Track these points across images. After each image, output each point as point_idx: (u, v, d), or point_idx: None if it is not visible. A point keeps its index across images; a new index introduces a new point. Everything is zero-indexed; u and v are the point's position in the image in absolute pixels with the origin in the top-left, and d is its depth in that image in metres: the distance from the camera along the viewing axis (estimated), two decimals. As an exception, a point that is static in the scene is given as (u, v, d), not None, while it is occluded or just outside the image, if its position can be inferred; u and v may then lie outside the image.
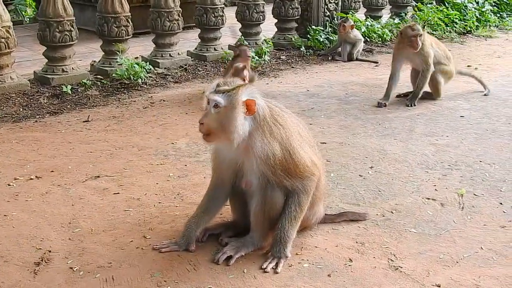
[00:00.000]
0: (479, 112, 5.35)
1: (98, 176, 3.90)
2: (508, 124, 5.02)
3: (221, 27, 7.46)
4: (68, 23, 6.11)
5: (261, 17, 7.78)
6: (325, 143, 4.54)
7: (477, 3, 10.70)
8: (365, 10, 9.90)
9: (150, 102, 5.63)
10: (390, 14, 10.31)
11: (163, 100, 5.69)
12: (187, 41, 8.16)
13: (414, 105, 5.51)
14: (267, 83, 6.37)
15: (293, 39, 8.08)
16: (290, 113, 2.98)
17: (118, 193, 3.65)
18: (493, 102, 5.70)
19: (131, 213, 3.39)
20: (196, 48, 7.53)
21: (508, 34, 10.12)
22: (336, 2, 8.59)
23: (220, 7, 7.36)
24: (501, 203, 3.55)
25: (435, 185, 3.79)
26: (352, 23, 7.56)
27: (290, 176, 2.79)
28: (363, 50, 8.11)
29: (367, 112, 5.34)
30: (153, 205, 3.50)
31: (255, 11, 7.71)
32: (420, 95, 5.63)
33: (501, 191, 3.73)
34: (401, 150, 4.41)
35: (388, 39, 8.87)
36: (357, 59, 7.70)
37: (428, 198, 3.61)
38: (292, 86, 6.29)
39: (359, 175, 3.94)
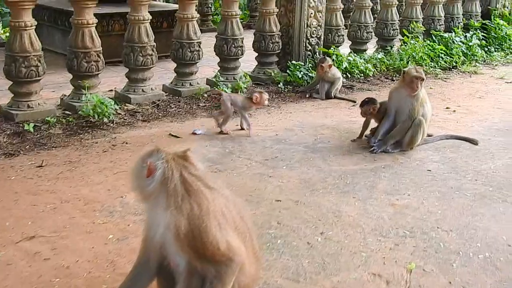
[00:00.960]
0: (447, 166, 5.14)
1: (34, 236, 3.69)
2: (475, 181, 4.81)
3: (197, 62, 7.27)
4: (35, 58, 5.93)
5: (239, 51, 7.59)
6: (280, 201, 4.32)
7: (465, 37, 10.52)
8: (350, 43, 9.68)
9: (112, 145, 5.43)
10: (376, 47, 10.11)
11: (126, 143, 5.49)
12: (167, 72, 7.96)
13: (380, 151, 5.39)
14: (236, 125, 6.14)
15: (272, 74, 7.91)
16: (218, 188, 2.76)
17: (49, 258, 3.43)
18: (464, 154, 5.49)
19: (56, 285, 3.16)
20: (171, 82, 7.34)
21: (494, 70, 9.94)
22: (318, 36, 8.41)
23: (197, 42, 7.17)
24: (450, 282, 3.31)
25: (384, 257, 3.57)
26: (330, 62, 7.37)
27: (202, 258, 2.57)
28: (343, 86, 7.96)
29: (332, 163, 5.13)
30: (82, 275, 3.28)
31: (233, 45, 7.53)
32: (391, 143, 5.41)
33: (453, 266, 3.50)
34: (357, 211, 4.18)
35: (371, 75, 8.66)
36: (335, 97, 7.52)
37: (374, 274, 3.38)
38: (262, 129, 6.09)
39: (307, 242, 3.72)
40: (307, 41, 8.37)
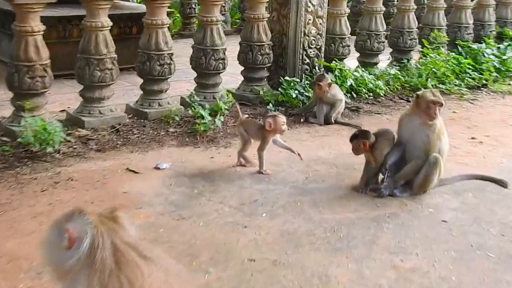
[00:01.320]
0: (467, 215, 4.97)
1: None
2: (501, 237, 4.64)
3: (167, 78, 7.13)
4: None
5: (220, 65, 7.47)
6: (253, 260, 4.14)
7: (498, 48, 10.41)
8: (358, 54, 9.57)
9: (54, 182, 5.26)
10: (389, 60, 9.99)
11: (72, 179, 5.32)
12: (134, 87, 7.82)
13: (387, 195, 5.26)
14: (212, 157, 6.00)
15: (261, 92, 7.80)
16: (157, 259, 2.56)
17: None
18: (489, 199, 5.32)
19: None
20: (137, 102, 7.19)
21: (533, 89, 9.78)
22: (319, 47, 8.31)
23: (168, 54, 7.04)
24: None
25: None
26: (330, 80, 7.24)
27: None
28: (347, 108, 7.86)
29: (325, 209, 4.97)
30: None
31: (213, 57, 7.41)
32: (400, 184, 5.24)
33: None
34: (349, 276, 3.99)
35: (382, 94, 8.53)
36: (336, 122, 7.40)
37: None
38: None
39: (283, 318, 3.51)
40: (304, 52, 8.29)
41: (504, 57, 10.35)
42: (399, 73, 9.15)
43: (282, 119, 5.62)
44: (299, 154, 5.80)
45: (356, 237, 4.60)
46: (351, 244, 4.48)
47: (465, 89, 9.26)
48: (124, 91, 8.21)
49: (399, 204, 5.25)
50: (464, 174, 5.88)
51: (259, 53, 7.94)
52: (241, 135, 5.73)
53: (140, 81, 7.33)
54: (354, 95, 8.40)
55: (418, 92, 5.52)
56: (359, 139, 5.41)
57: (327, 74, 7.96)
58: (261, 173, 5.57)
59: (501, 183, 5.74)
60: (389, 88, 8.84)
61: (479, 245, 4.56)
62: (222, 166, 5.91)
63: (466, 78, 9.56)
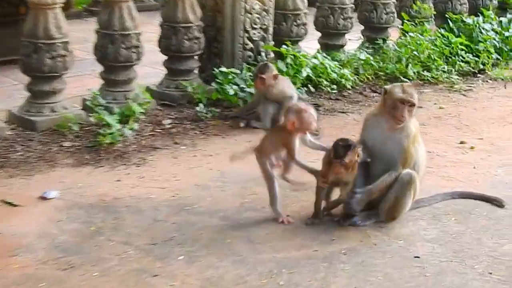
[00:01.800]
0: (447, 248, 4.96)
1: None
2: (488, 276, 4.63)
3: (62, 74, 6.95)
4: None
5: (133, 55, 7.32)
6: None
7: (500, 22, 10.47)
8: (319, 35, 9.52)
9: None
10: (360, 40, 9.97)
11: None
12: (23, 86, 7.60)
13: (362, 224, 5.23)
14: (118, 180, 5.92)
15: (190, 88, 7.67)
16: None
17: None
18: (477, 225, 5.34)
19: None
20: (22, 107, 6.99)
21: (542, 75, 9.86)
22: (265, 27, 8.26)
23: (61, 43, 6.86)
24: None
25: None
26: (275, 71, 7.13)
27: None
28: None
29: (262, 246, 4.92)
30: None
31: (123, 45, 7.25)
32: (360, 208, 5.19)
33: None
34: None
35: (349, 86, 8.49)
36: (286, 126, 7.25)
37: None
38: (157, 186, 5.90)
39: None
40: (246, 35, 8.22)
41: (507, 34, 10.41)
42: (371, 58, 9.11)
43: (310, 110, 5.12)
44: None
45: (301, 284, 4.54)
46: (291, 295, 4.38)
47: (457, 77, 9.33)
48: (9, 92, 8.00)
49: (360, 236, 5.19)
50: (447, 192, 5.87)
51: (186, 37, 7.86)
52: (263, 169, 5.34)
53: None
54: (312, 89, 8.34)
55: (386, 87, 5.46)
56: (353, 148, 5.23)
57: (277, 62, 7.85)
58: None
59: (495, 202, 5.71)
60: (358, 78, 8.86)
61: (460, 289, 4.48)
62: (130, 192, 5.77)
63: (458, 62, 9.58)
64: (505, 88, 9.16)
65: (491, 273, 4.71)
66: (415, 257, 4.92)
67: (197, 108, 7.49)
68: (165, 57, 8.08)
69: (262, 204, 5.58)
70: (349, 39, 10.08)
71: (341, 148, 5.04)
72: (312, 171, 5.23)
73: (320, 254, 4.90)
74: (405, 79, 8.88)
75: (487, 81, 9.45)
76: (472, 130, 7.50)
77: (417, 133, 5.39)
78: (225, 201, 5.67)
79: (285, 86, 7.30)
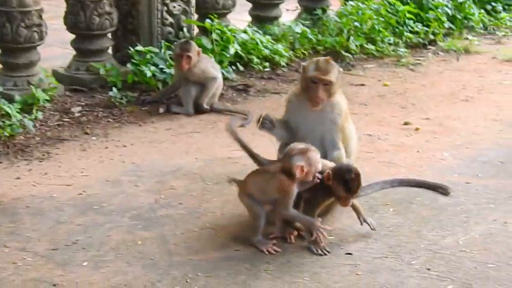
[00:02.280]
0: (382, 243, 5.05)
1: None
2: (426, 273, 4.69)
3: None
4: None
5: (35, 35, 7.28)
6: None
7: (455, -12, 10.54)
8: (250, 6, 9.54)
9: None
10: (297, 12, 10.04)
11: None
12: None
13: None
14: (18, 177, 5.94)
15: (102, 71, 7.64)
16: None
17: None
18: (417, 216, 5.47)
19: None
20: None
21: (499, 45, 10.09)
22: (186, -1, 8.18)
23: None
24: None
25: None
26: (197, 48, 7.14)
27: None
28: (232, 86, 7.95)
29: (177, 249, 4.94)
30: None
31: (23, 24, 7.19)
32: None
33: None
34: None
35: (284, 64, 8.54)
36: (212, 110, 7.33)
37: None
38: (62, 184, 5.88)
39: None
40: (165, 8, 8.25)
41: (461, 0, 10.52)
42: (308, 30, 9.16)
43: (315, 153, 4.88)
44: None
45: (217, 288, 4.52)
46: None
47: (404, 50, 9.45)
48: None
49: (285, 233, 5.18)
50: (386, 180, 5.94)
51: (96, 12, 7.83)
52: (247, 206, 5.09)
53: None
54: (242, 68, 8.34)
55: (304, 63, 5.51)
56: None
57: (201, 38, 7.85)
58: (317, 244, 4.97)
59: (440, 190, 5.81)
60: (294, 53, 8.92)
61: (395, 288, 4.54)
62: (31, 191, 5.76)
63: (406, 33, 9.68)
64: (458, 60, 9.30)
65: (429, 269, 4.76)
66: (347, 254, 4.97)
67: (110, 93, 7.43)
68: (74, 36, 7.96)
69: (179, 200, 5.62)
70: (287, 9, 10.09)
71: (354, 182, 4.94)
72: (307, 222, 4.98)
73: (242, 255, 4.91)
74: (347, 54, 8.96)
75: (438, 53, 9.58)
76: (418, 109, 7.59)
77: (347, 112, 5.45)
78: (138, 197, 5.67)
79: (208, 65, 7.33)
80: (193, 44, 7.14)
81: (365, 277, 4.67)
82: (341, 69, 5.38)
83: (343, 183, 4.83)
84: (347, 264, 4.82)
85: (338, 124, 5.32)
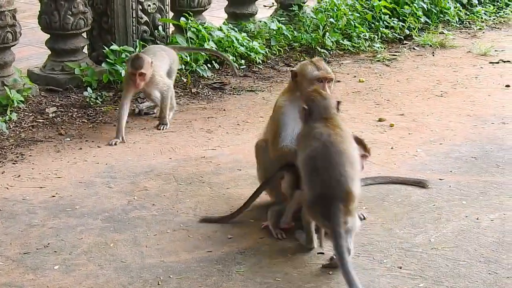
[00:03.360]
0: (354, 242, 4.94)
1: None
2: (398, 272, 4.70)
3: None
4: None
5: (9, 35, 7.22)
6: None
7: (431, -19, 10.54)
8: (226, 3, 9.51)
9: None
10: (274, 7, 10.02)
11: None
12: None
13: None
14: None
15: (77, 71, 7.62)
16: None
17: None
18: (389, 213, 5.44)
19: None
20: None
21: (474, 39, 10.10)
22: (160, -3, 8.14)
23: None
24: None
25: None
26: (149, 60, 6.86)
27: None
28: (207, 85, 7.98)
29: (150, 251, 4.91)
30: None
31: (-5, 25, 7.09)
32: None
33: None
34: None
35: (260, 60, 8.52)
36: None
37: None
38: (34, 186, 5.86)
39: None
40: (140, 7, 8.21)
41: (438, -7, 10.52)
42: (284, 27, 9.13)
43: None
44: None
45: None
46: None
47: (380, 45, 9.40)
48: None
49: (259, 234, 5.23)
50: (369, 177, 5.95)
51: (70, 12, 7.79)
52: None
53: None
54: (217, 66, 8.31)
55: (294, 69, 5.49)
56: None
57: (176, 36, 7.78)
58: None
59: (419, 183, 5.86)
60: (270, 50, 8.87)
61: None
62: (4, 194, 5.73)
63: (381, 28, 9.66)
64: (433, 55, 9.29)
65: (401, 267, 4.76)
66: (319, 253, 4.96)
67: (85, 93, 7.39)
68: (47, 36, 7.93)
69: (152, 201, 5.60)
70: (264, 6, 10.06)
71: None
72: None
73: (214, 256, 4.90)
74: (323, 50, 8.94)
75: (413, 49, 9.57)
76: (393, 105, 7.58)
77: None
78: (111, 199, 5.64)
79: (159, 77, 7.08)
80: (145, 58, 6.80)
81: (336, 277, 4.65)
82: None
83: None
84: (319, 264, 4.79)
85: None
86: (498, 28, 10.76)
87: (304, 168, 4.67)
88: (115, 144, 6.52)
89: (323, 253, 4.92)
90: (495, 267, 4.65)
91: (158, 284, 4.58)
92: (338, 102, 4.90)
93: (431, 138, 6.78)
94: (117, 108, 7.00)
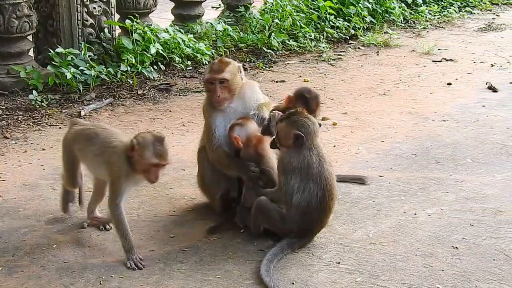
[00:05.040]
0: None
1: None
2: (335, 266, 4.76)
3: None
4: None
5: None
6: None
7: (376, -19, 10.66)
8: (172, 5, 9.54)
9: None
10: (220, 10, 10.07)
11: None
12: None
13: None
14: None
15: (22, 74, 7.57)
16: None
17: None
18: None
19: None
20: None
21: (418, 39, 10.23)
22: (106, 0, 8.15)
23: None
24: None
25: None
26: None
27: None
28: (153, 86, 8.00)
29: (92, 251, 4.93)
30: None
31: None
32: None
33: None
34: None
35: (206, 62, 8.57)
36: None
37: None
38: None
39: None
40: (85, 9, 8.22)
41: (383, -7, 10.64)
42: (230, 28, 9.18)
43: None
44: None
45: (129, 290, 4.53)
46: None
47: (326, 45, 9.48)
48: None
49: (201, 232, 5.26)
50: None
51: (14, 15, 7.75)
52: None
53: None
54: (163, 67, 8.32)
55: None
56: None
57: (121, 39, 7.80)
58: None
59: (358, 180, 5.95)
60: (216, 51, 8.89)
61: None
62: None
63: (327, 29, 9.75)
64: (378, 54, 9.39)
65: (339, 263, 4.84)
66: (259, 250, 5.01)
67: (31, 96, 7.36)
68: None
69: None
70: (212, 7, 10.08)
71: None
72: None
73: (156, 255, 4.93)
74: (269, 50, 9.01)
75: (358, 48, 9.66)
76: (336, 104, 7.66)
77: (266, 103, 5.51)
78: (55, 201, 5.60)
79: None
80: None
81: (276, 272, 4.70)
82: (239, 64, 5.38)
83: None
84: (259, 261, 4.81)
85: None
86: (442, 27, 10.91)
87: (295, 204, 4.86)
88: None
89: (263, 250, 4.93)
90: (431, 261, 4.72)
91: (100, 283, 4.58)
92: (320, 125, 4.96)
93: (373, 136, 6.84)
94: (65, 111, 6.96)
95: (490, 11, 12.67)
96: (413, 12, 10.98)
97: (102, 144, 4.87)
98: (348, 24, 9.77)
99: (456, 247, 4.90)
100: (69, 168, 5.06)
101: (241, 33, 9.01)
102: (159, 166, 4.63)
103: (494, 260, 4.74)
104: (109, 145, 4.85)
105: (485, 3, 12.42)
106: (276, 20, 9.08)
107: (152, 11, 8.77)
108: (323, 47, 9.15)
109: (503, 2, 12.74)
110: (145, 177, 4.71)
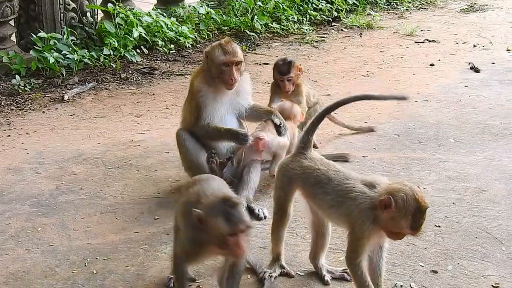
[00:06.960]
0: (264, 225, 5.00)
1: None
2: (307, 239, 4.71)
3: None
4: None
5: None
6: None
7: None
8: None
9: None
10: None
11: None
12: None
13: None
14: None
15: (5, 58, 7.56)
16: None
17: None
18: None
19: None
20: None
21: (401, 20, 10.26)
22: (88, -16, 8.13)
23: None
24: None
25: None
26: None
27: None
28: (136, 70, 8.07)
29: (77, 234, 4.94)
30: None
31: None
32: None
33: None
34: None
35: (189, 45, 8.55)
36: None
37: None
38: None
39: None
40: (66, -7, 8.05)
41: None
42: (212, 11, 9.17)
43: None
44: None
45: (116, 271, 4.56)
46: (106, 284, 4.43)
47: (309, 27, 9.48)
48: None
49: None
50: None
51: (-3, -1, 7.67)
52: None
53: None
54: (146, 51, 8.31)
55: (207, 49, 5.52)
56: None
57: (104, 23, 7.79)
58: None
59: (341, 158, 5.97)
60: (199, 35, 8.87)
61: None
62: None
63: (310, 11, 9.76)
64: (361, 36, 9.41)
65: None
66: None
67: (13, 81, 7.36)
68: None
69: (80, 185, 5.62)
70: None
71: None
72: None
73: (141, 236, 4.95)
74: (252, 33, 9.01)
75: (341, 30, 9.68)
76: (320, 86, 7.66)
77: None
78: (39, 184, 5.63)
79: None
80: None
81: (260, 253, 4.68)
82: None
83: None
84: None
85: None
86: (425, 8, 10.95)
87: None
88: None
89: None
90: (413, 239, 4.72)
91: (85, 265, 4.61)
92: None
93: (356, 117, 6.86)
94: (48, 95, 6.96)
95: (473, -8, 12.67)
96: (397, -8, 10.90)
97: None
98: (331, 6, 9.79)
99: (439, 226, 4.91)
100: None
101: (223, 16, 8.99)
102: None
103: (476, 238, 4.75)
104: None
105: (467, -16, 12.38)
106: (259, 3, 9.06)
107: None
108: (306, 30, 9.15)
109: (485, -17, 12.72)
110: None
